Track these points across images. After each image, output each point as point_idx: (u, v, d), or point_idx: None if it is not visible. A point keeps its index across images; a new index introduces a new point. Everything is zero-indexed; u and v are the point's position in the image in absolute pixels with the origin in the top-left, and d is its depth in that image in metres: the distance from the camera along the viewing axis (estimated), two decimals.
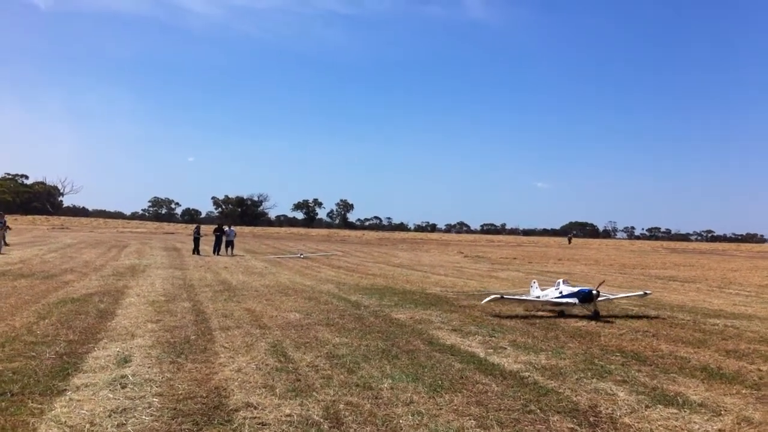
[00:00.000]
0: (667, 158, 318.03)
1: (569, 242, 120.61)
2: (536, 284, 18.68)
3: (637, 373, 9.75)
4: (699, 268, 44.75)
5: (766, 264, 54.22)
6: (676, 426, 7.19)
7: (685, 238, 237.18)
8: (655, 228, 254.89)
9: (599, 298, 15.87)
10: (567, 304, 15.90)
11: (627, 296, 18.56)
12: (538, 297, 17.37)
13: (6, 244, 36.60)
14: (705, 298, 20.55)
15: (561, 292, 16.31)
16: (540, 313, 16.01)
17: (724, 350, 11.85)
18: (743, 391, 8.79)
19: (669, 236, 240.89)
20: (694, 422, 7.33)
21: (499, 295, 16.29)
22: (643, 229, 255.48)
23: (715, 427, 7.16)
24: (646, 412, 7.71)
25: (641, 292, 18.09)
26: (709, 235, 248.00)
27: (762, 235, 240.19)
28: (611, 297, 17.48)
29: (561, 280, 17.10)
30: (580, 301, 15.61)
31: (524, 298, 17.45)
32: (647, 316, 16.15)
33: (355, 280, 25.29)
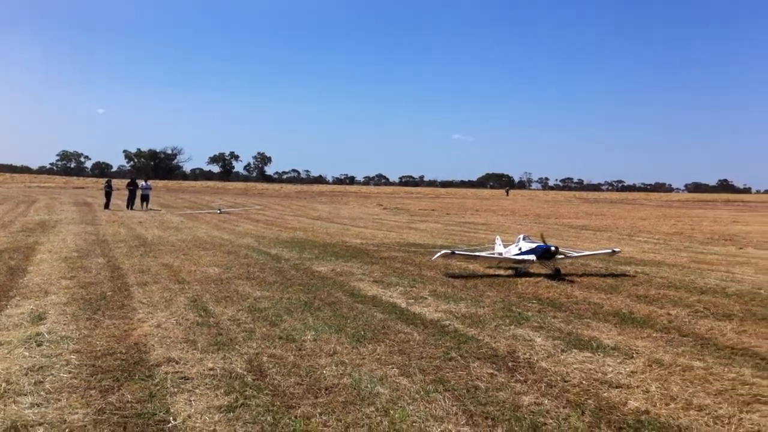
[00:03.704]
0: (579, 111, 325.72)
1: (507, 194, 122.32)
2: (499, 240, 17.78)
3: (552, 319, 10.03)
4: (610, 217, 46.09)
5: (673, 213, 56.28)
6: (590, 369, 7.42)
7: (596, 188, 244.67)
8: (568, 178, 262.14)
9: (559, 256, 14.85)
10: (524, 261, 14.79)
11: (593, 254, 17.25)
12: (500, 254, 16.44)
13: None
14: (616, 245, 21.17)
15: (520, 249, 15.20)
16: (457, 263, 16.17)
17: (635, 296, 12.28)
18: (654, 335, 9.14)
19: (581, 186, 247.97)
20: (608, 365, 7.58)
21: (449, 251, 15.23)
22: (556, 179, 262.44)
23: (627, 369, 7.42)
24: (562, 356, 7.95)
25: (609, 250, 16.85)
26: (620, 185, 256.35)
27: (670, 185, 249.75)
28: (575, 254, 16.36)
29: (521, 236, 15.88)
30: (537, 257, 14.52)
31: (477, 254, 16.17)
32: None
33: (274, 234, 25.10)
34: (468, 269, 15.64)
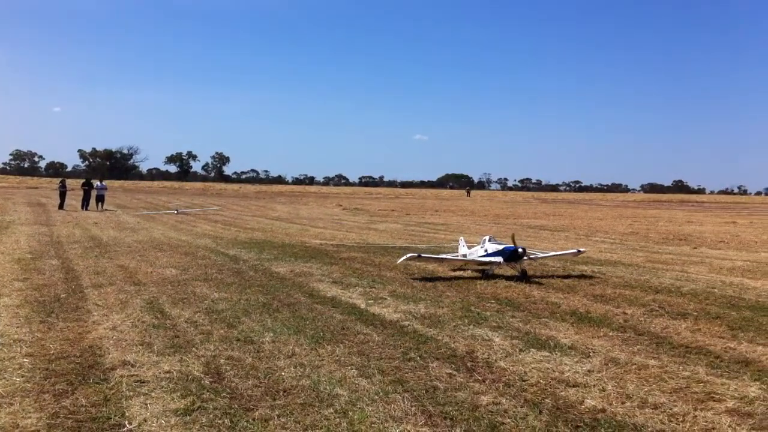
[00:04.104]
0: (537, 112, 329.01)
1: (468, 194, 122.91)
2: (463, 241, 17.42)
3: (511, 319, 10.09)
4: (567, 217, 46.60)
5: (629, 213, 57.12)
6: (548, 368, 7.48)
7: (554, 188, 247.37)
8: (527, 179, 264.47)
9: (526, 257, 14.51)
10: (491, 263, 14.50)
11: (559, 254, 17.14)
12: (465, 255, 16.22)
13: None
14: (573, 246, 21.41)
15: (486, 250, 14.92)
16: (417, 264, 16.19)
17: (592, 295, 12.41)
18: (610, 334, 9.24)
19: (540, 187, 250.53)
20: (565, 364, 7.65)
21: (416, 254, 14.74)
22: (515, 180, 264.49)
23: (584, 368, 7.49)
24: (520, 356, 7.99)
25: (575, 250, 16.95)
26: (577, 185, 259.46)
27: (626, 185, 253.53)
28: (541, 255, 16.21)
29: (487, 237, 15.63)
30: (505, 259, 14.27)
31: (444, 257, 16.23)
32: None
33: (232, 234, 24.92)
34: (429, 270, 15.58)
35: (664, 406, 6.23)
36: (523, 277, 14.05)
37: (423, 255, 15.41)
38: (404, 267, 15.72)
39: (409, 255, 14.53)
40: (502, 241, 15.50)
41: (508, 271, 14.63)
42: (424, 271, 15.16)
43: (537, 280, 14.10)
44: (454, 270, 15.76)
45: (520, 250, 14.15)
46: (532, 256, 15.14)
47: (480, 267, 15.07)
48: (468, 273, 15.22)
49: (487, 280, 13.90)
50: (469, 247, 16.58)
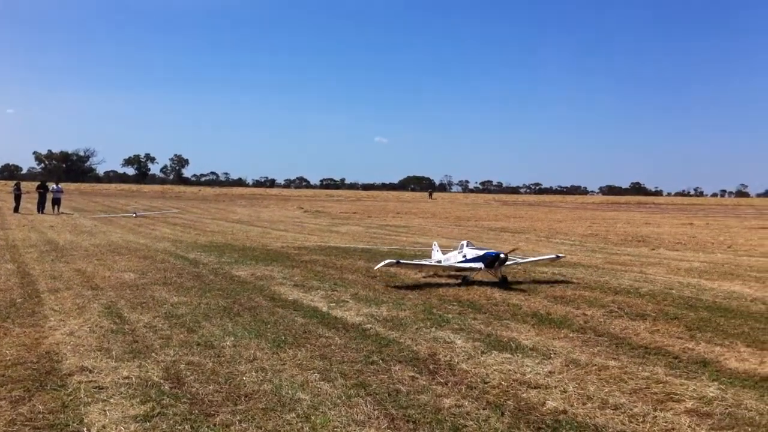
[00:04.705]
0: (497, 116, 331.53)
1: (430, 196, 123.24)
2: (437, 247, 16.66)
3: (473, 321, 10.12)
4: (528, 219, 46.98)
5: (588, 215, 57.78)
6: (509, 370, 7.51)
7: (515, 190, 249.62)
8: (488, 181, 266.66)
9: (507, 263, 14.10)
10: (471, 269, 14.04)
11: (537, 260, 16.62)
12: (440, 261, 15.62)
13: None
14: (534, 247, 21.61)
15: (465, 256, 14.47)
16: (380, 267, 16.13)
17: (552, 297, 12.50)
18: (570, 335, 9.32)
19: (501, 189, 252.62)
20: (527, 365, 7.69)
21: (394, 261, 14.11)
22: (476, 182, 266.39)
23: (545, 370, 7.53)
24: (482, 358, 8.01)
25: (553, 255, 16.50)
26: (537, 187, 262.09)
27: (585, 188, 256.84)
28: (520, 261, 15.75)
29: (465, 242, 15.20)
30: (485, 265, 13.79)
31: (423, 263, 15.72)
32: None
33: (192, 238, 24.68)
34: (392, 272, 15.44)
35: (624, 407, 6.29)
36: (503, 284, 13.70)
37: (402, 261, 14.82)
38: (366, 270, 15.70)
39: (387, 261, 13.94)
40: (481, 245, 15.14)
41: (488, 276, 14.21)
42: (386, 274, 15.13)
43: (498, 282, 14.12)
44: (428, 276, 15.13)
45: (501, 255, 13.72)
46: (511, 262, 14.62)
47: (459, 273, 14.52)
48: (437, 279, 14.80)
49: (444, 280, 13.89)
50: (444, 253, 16.02)
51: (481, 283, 13.78)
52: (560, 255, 16.55)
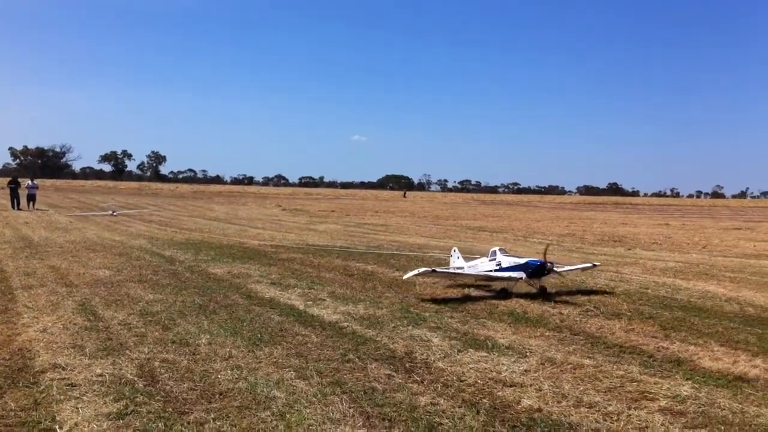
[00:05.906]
0: (476, 115, 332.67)
1: (404, 196, 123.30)
2: (457, 253, 14.99)
3: (449, 319, 10.13)
4: (506, 219, 47.16)
5: (566, 215, 58.06)
6: (486, 368, 7.52)
7: (493, 190, 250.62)
8: (467, 181, 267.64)
9: (552, 273, 12.57)
10: (511, 278, 12.52)
11: (575, 269, 14.72)
12: (461, 268, 14.08)
13: None
14: (511, 247, 21.59)
15: (499, 264, 12.95)
16: (357, 265, 16.12)
17: (529, 295, 12.51)
18: (546, 334, 9.35)
19: (479, 188, 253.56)
20: (503, 364, 7.70)
21: (430, 269, 12.74)
22: (455, 181, 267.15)
23: (521, 368, 7.55)
24: (458, 356, 8.02)
25: (590, 264, 14.77)
26: (516, 187, 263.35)
27: (563, 187, 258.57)
28: (566, 269, 14.05)
29: (497, 249, 13.52)
30: (528, 275, 12.33)
31: (459, 272, 13.83)
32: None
33: (168, 235, 24.53)
34: (369, 271, 15.45)
35: (598, 405, 6.32)
36: (543, 294, 12.44)
37: (438, 270, 13.21)
38: (344, 268, 15.68)
39: (422, 270, 12.52)
40: (517, 254, 13.96)
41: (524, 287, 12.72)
42: (363, 272, 15.11)
43: (474, 281, 14.05)
44: (450, 287, 13.48)
45: (548, 264, 12.29)
46: (557, 271, 12.94)
47: (499, 283, 13.00)
48: (477, 291, 13.08)
49: (504, 299, 12.13)
50: (466, 260, 14.45)
51: (544, 300, 12.08)
52: (596, 263, 15.08)
